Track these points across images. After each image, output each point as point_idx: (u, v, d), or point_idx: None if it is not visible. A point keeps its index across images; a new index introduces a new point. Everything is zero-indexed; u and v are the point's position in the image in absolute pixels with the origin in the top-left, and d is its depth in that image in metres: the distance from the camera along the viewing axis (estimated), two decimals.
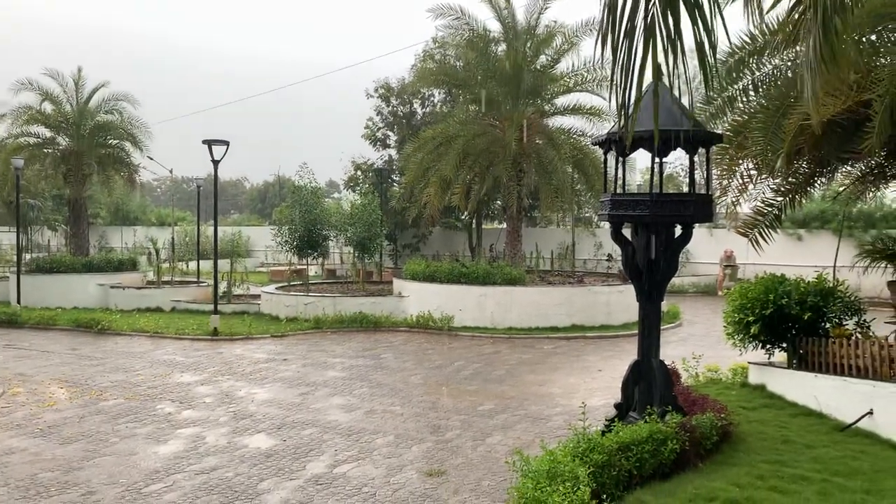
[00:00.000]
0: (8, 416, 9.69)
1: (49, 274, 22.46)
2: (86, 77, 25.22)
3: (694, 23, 3.07)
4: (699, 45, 3.13)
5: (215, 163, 16.85)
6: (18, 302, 21.12)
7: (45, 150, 25.25)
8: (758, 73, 9.76)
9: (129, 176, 26.80)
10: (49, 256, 26.15)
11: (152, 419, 9.49)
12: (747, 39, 9.40)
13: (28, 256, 26.21)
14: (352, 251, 23.45)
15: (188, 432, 8.88)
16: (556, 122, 21.49)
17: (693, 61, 3.32)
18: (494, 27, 20.34)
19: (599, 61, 19.24)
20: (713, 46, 3.14)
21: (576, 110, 21.02)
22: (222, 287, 20.84)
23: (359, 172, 32.62)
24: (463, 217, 31.93)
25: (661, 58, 3.16)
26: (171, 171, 38.13)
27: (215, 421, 9.42)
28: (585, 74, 20.16)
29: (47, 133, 25.19)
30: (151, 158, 26.81)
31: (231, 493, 6.80)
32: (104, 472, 7.42)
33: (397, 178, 31.39)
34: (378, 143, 32.56)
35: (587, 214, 32.37)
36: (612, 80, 3.25)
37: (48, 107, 24.88)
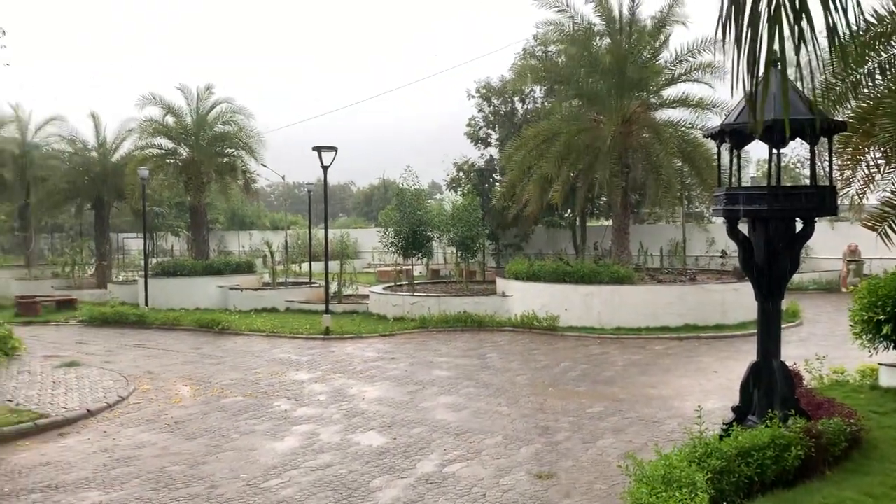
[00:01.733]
0: (139, 411, 10.35)
1: (173, 277, 23.86)
2: (212, 90, 26.68)
3: (825, 6, 2.87)
4: (831, 28, 2.94)
5: (325, 168, 17.38)
6: (146, 304, 22.53)
7: (168, 161, 26.81)
8: (885, 56, 9.10)
9: (245, 183, 28.09)
10: (172, 260, 27.75)
11: (269, 416, 9.89)
12: (873, 20, 8.78)
13: (154, 261, 27.89)
14: (455, 251, 23.63)
15: (303, 429, 9.19)
16: (663, 114, 20.84)
17: (812, 47, 3.13)
18: (597, 20, 19.94)
19: (711, 49, 18.62)
20: (849, 28, 2.93)
21: (683, 102, 20.29)
22: (333, 287, 21.47)
23: (460, 173, 32.84)
24: (566, 215, 31.53)
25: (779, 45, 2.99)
26: (283, 178, 39.64)
27: (329, 418, 9.70)
28: (693, 62, 19.45)
29: (170, 144, 26.76)
30: (265, 166, 28.00)
31: (345, 490, 6.98)
32: (226, 466, 7.79)
33: (499, 177, 31.39)
34: (480, 141, 32.68)
35: (698, 210, 31.23)
36: (734, 69, 3.11)
37: (171, 119, 26.43)
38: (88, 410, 10.04)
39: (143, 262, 25.31)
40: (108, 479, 7.42)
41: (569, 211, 30.35)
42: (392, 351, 15.11)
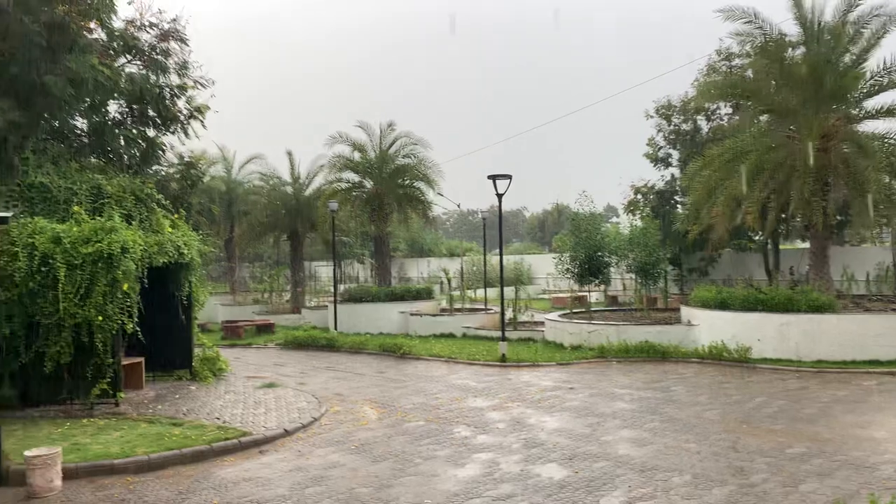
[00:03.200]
0: (330, 432, 10.89)
1: (359, 303, 25.15)
2: (393, 126, 28.08)
3: None
4: None
5: (499, 196, 17.57)
6: (335, 328, 23.86)
7: (354, 194, 28.41)
8: None
9: (423, 212, 29.10)
10: (359, 287, 29.26)
11: (450, 442, 10.02)
12: None
13: (342, 287, 29.56)
14: (634, 277, 22.89)
15: (483, 457, 9.20)
16: (866, 127, 18.96)
17: None
18: (791, 28, 18.62)
19: None
20: None
21: (891, 112, 18.37)
22: (507, 314, 21.55)
23: (638, 195, 31.87)
24: (757, 238, 29.53)
25: None
26: (458, 206, 40.76)
27: (508, 447, 9.65)
28: None
29: (356, 178, 28.40)
30: (441, 195, 28.89)
31: None
32: (410, 491, 7.96)
33: (680, 199, 30.10)
34: (659, 162, 31.57)
35: None
36: None
37: (357, 155, 28.06)
38: (285, 430, 10.72)
39: (332, 289, 26.88)
40: (303, 497, 7.83)
41: (759, 234, 28.41)
42: (570, 380, 14.82)
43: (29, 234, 11.77)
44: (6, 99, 12.32)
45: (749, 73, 20.60)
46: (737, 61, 22.14)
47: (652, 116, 31.17)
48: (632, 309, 23.19)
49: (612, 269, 23.01)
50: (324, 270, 42.18)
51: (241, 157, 37.52)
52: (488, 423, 11.11)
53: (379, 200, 27.40)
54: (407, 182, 28.35)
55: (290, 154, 33.52)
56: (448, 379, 15.45)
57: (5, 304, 11.30)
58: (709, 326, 17.27)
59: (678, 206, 30.11)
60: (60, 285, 11.39)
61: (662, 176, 31.75)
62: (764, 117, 20.92)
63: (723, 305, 17.30)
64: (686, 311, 19.01)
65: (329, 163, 28.47)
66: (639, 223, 26.15)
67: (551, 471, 8.54)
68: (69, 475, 8.47)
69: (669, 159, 31.52)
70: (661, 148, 31.46)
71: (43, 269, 11.48)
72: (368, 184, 28.24)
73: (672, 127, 30.79)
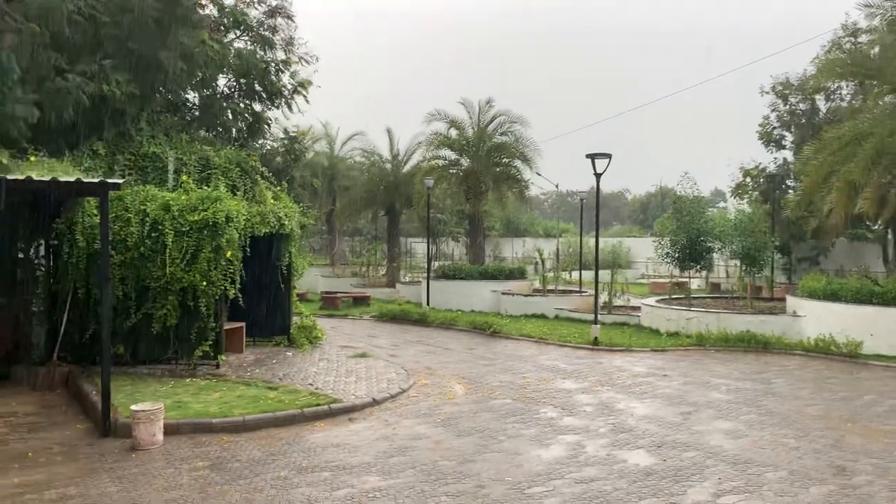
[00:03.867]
0: (417, 404, 11.03)
1: (451, 280, 25.31)
2: (492, 103, 27.91)
3: None
4: None
5: (597, 176, 17.17)
6: (427, 303, 24.11)
7: (451, 171, 28.49)
8: None
9: (520, 191, 28.86)
10: (452, 264, 29.42)
11: (536, 422, 9.94)
12: None
13: (436, 264, 29.81)
14: (738, 264, 21.91)
15: (569, 439, 9.09)
16: None
17: None
18: None
19: None
20: None
21: None
22: (603, 297, 21.12)
23: (747, 179, 30.43)
24: (875, 227, 27.64)
25: None
26: (556, 186, 40.16)
27: (595, 431, 9.49)
28: None
29: (452, 156, 28.45)
30: (539, 174, 28.55)
31: None
32: (492, 467, 7.96)
33: (793, 184, 28.54)
34: (772, 143, 29.99)
35: None
36: None
37: (454, 132, 28.09)
38: (374, 399, 10.94)
39: (426, 265, 27.17)
40: (387, 466, 7.98)
41: (878, 223, 26.57)
42: (664, 367, 14.41)
43: (141, 202, 12.43)
44: (124, 72, 13.01)
45: (876, 49, 19.14)
46: (863, 38, 20.60)
47: (767, 93, 29.57)
48: (734, 297, 22.26)
49: (715, 255, 22.06)
50: (419, 247, 42.68)
51: (343, 133, 38.38)
52: (576, 406, 10.96)
53: (475, 178, 27.35)
54: (504, 160, 28.14)
55: (389, 131, 34.05)
56: (537, 359, 15.34)
57: (119, 267, 12.00)
58: (816, 318, 16.35)
59: (790, 191, 28.57)
60: (168, 251, 12.00)
61: (775, 159, 30.24)
62: (889, 98, 19.46)
63: (833, 297, 16.34)
64: (792, 301, 18.07)
65: (426, 140, 28.67)
66: (746, 208, 24.98)
67: (638, 457, 8.33)
68: (170, 431, 8.95)
69: (783, 141, 29.93)
70: (774, 129, 29.88)
71: (153, 234, 12.13)
72: (465, 161, 28.23)
73: (788, 106, 29.17)
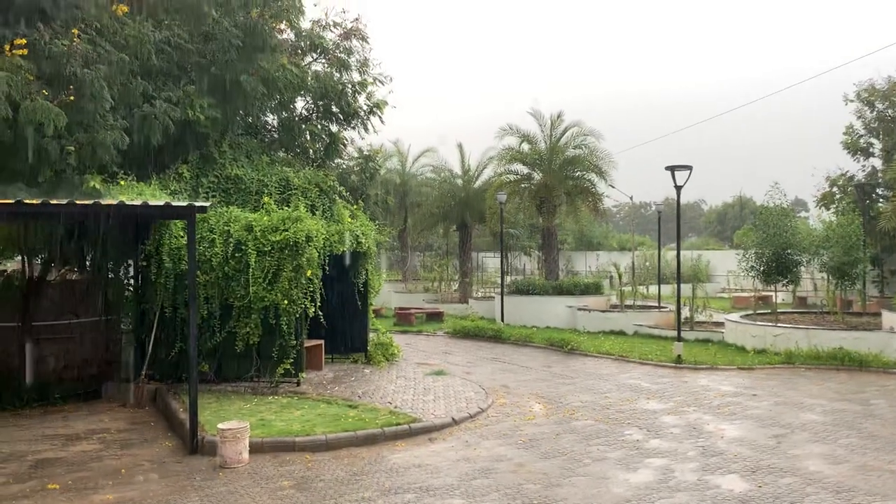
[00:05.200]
0: (496, 424, 10.88)
1: (525, 295, 25.03)
2: (562, 116, 27.64)
3: None
4: None
5: (678, 188, 16.70)
6: (502, 320, 23.91)
7: (523, 186, 28.25)
8: None
9: (594, 205, 28.36)
10: (525, 280, 29.15)
11: (621, 444, 9.65)
12: None
13: (508, 279, 29.59)
14: (826, 277, 20.91)
15: (657, 463, 8.77)
16: None
17: None
18: None
19: None
20: None
21: None
22: (684, 313, 20.49)
23: (834, 188, 29.17)
24: None
25: None
26: (630, 198, 39.36)
27: (683, 454, 9.13)
28: None
29: (524, 170, 28.22)
30: (613, 187, 27.99)
31: None
32: (579, 492, 7.73)
33: (883, 193, 27.17)
34: (859, 152, 28.70)
35: None
36: None
37: (525, 147, 27.89)
38: (453, 419, 10.84)
39: (498, 280, 26.98)
40: (471, 489, 7.85)
41: None
42: (752, 387, 13.81)
43: (225, 223, 12.76)
44: (208, 97, 13.42)
45: None
46: None
47: (852, 101, 28.40)
48: (823, 312, 21.24)
49: (802, 268, 21.12)
50: (490, 261, 42.54)
51: (414, 150, 38.72)
52: (662, 428, 10.59)
53: (547, 192, 27.05)
54: (577, 173, 27.73)
55: (460, 147, 34.22)
56: (618, 378, 14.95)
57: (203, 286, 12.33)
58: None
59: (881, 200, 27.20)
60: (251, 270, 12.26)
61: (863, 167, 28.88)
62: None
63: None
64: (889, 317, 17.11)
65: (498, 155, 28.55)
66: (832, 218, 23.89)
67: (731, 483, 7.96)
68: (255, 449, 9.07)
69: (871, 149, 28.59)
70: (860, 137, 28.60)
71: (236, 254, 12.43)
72: (537, 175, 27.95)
73: (875, 113, 27.87)
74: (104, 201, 9.26)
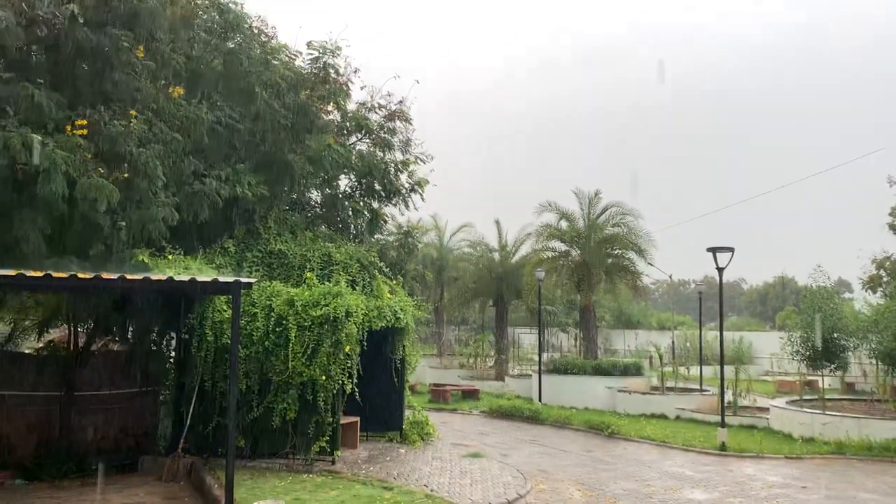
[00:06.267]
0: None
1: (563, 374, 24.63)
2: (600, 194, 27.79)
3: None
4: None
5: (720, 270, 16.52)
6: (539, 399, 23.48)
7: (561, 262, 28.22)
8: None
9: (633, 282, 28.13)
10: (564, 358, 28.70)
11: None
12: None
13: (545, 356, 29.22)
14: (876, 363, 20.25)
15: None
16: None
17: None
18: None
19: None
20: None
21: None
22: (727, 397, 19.91)
23: (881, 270, 28.55)
24: None
25: None
26: (669, 276, 39.01)
27: None
28: None
29: (563, 247, 28.25)
30: (652, 265, 27.80)
31: None
32: None
33: None
34: None
35: None
36: None
37: (564, 224, 27.99)
38: None
39: (535, 356, 26.63)
40: None
41: None
42: (801, 478, 13.24)
43: (268, 297, 12.92)
44: (256, 174, 13.82)
45: None
46: None
47: (895, 183, 28.10)
48: (874, 399, 20.45)
49: (849, 353, 20.52)
50: (526, 337, 42.12)
51: (451, 225, 39.07)
52: None
53: (587, 270, 26.95)
54: (616, 251, 27.65)
55: (497, 223, 34.46)
56: (661, 465, 14.47)
57: (244, 361, 12.40)
58: None
59: None
60: (291, 345, 12.31)
61: None
62: None
63: None
64: None
65: (536, 231, 28.66)
66: (878, 300, 23.33)
67: None
68: None
69: None
70: None
71: (277, 329, 12.51)
72: (575, 252, 27.93)
73: None
74: (153, 276, 9.47)
